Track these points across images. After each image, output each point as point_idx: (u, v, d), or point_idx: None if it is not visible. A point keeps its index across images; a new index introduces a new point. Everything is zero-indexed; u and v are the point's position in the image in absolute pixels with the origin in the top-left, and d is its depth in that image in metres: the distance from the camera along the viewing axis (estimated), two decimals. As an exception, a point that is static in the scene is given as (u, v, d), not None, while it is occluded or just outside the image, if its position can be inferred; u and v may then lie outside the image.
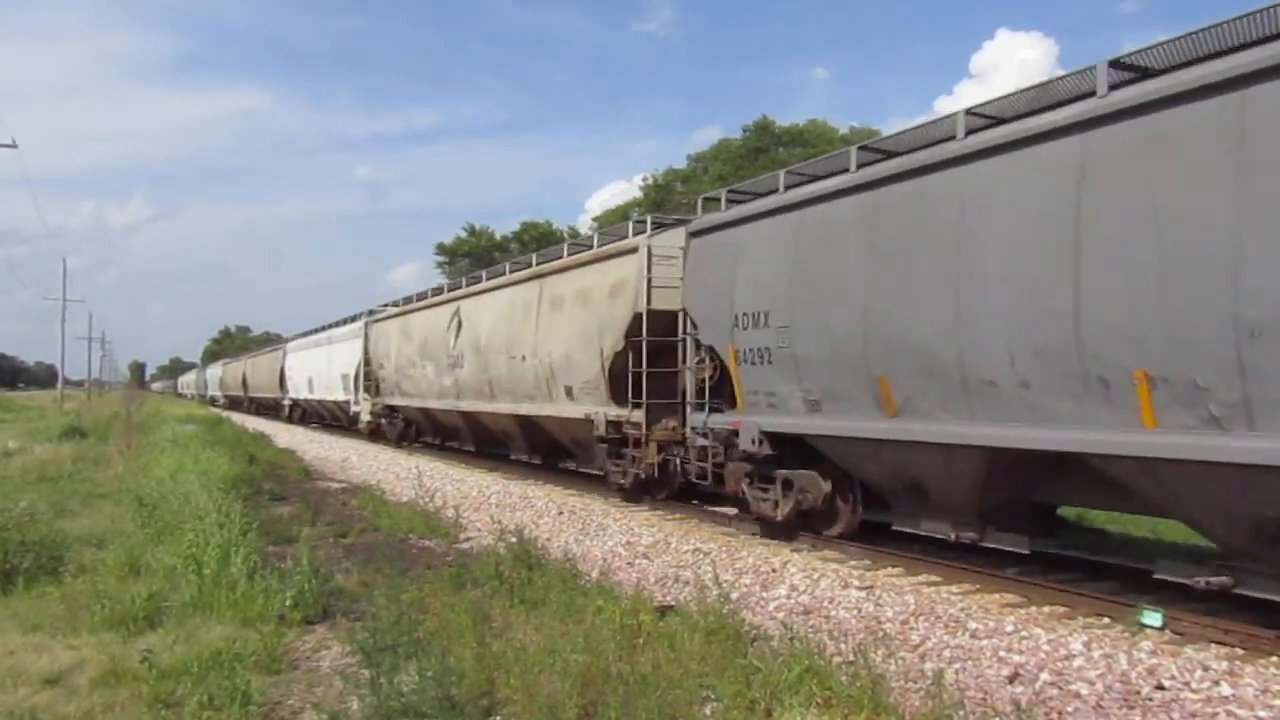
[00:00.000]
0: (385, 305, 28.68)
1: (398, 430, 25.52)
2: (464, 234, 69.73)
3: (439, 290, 23.66)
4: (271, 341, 73.17)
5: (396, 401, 25.37)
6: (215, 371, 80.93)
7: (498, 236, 68.94)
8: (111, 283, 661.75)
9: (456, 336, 20.18)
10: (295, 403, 41.60)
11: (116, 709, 5.39)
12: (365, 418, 27.84)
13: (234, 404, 64.64)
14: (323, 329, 36.12)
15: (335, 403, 32.62)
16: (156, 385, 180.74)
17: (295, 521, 12.07)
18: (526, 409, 16.61)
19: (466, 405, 19.89)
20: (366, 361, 27.71)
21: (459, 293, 21.05)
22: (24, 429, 33.05)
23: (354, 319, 30.83)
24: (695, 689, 5.19)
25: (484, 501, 15.06)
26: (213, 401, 77.26)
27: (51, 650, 6.51)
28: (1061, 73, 7.49)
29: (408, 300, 25.90)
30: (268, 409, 50.50)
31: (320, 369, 34.25)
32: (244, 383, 57.78)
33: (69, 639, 6.75)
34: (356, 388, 28.76)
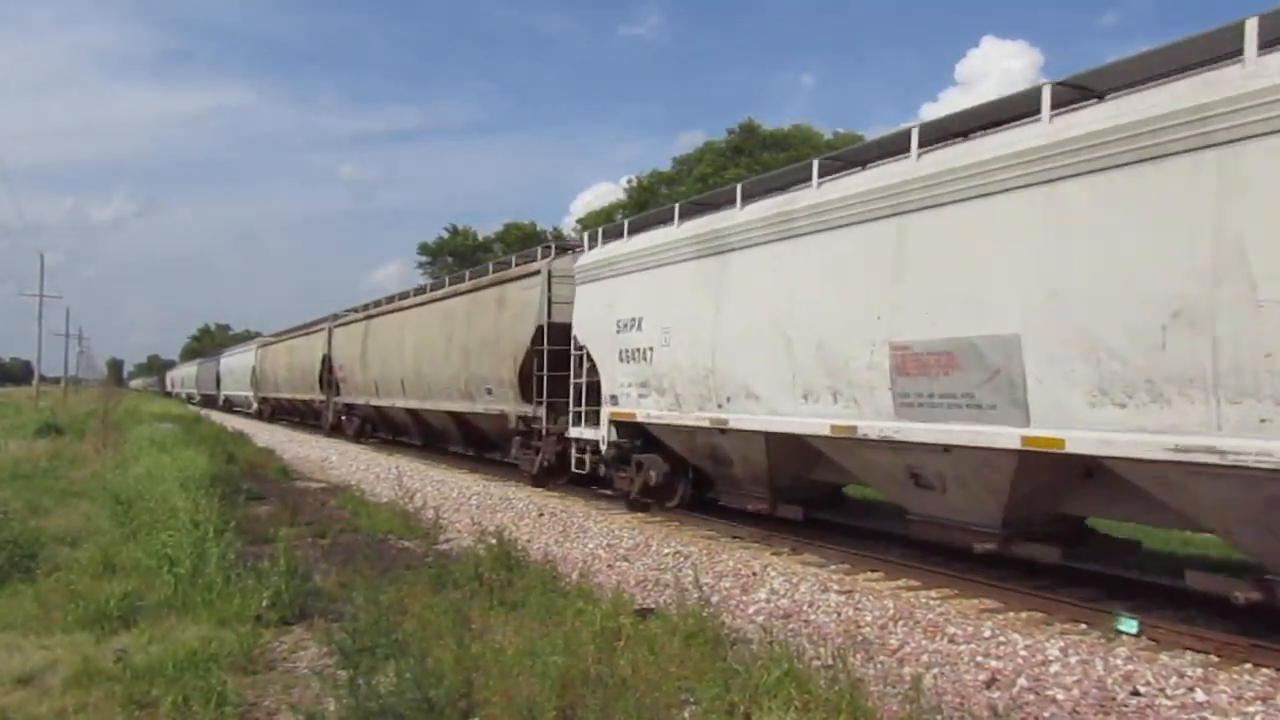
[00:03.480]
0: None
1: None
2: (446, 234, 69.50)
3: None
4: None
5: None
6: (240, 359, 51.89)
7: (480, 237, 68.78)
8: (90, 279, 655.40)
9: None
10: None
11: (90, 709, 5.32)
12: None
13: (283, 411, 41.49)
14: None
15: None
16: (135, 382, 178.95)
17: (273, 521, 11.97)
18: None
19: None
20: None
21: None
22: (-2, 425, 32.67)
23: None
24: (674, 692, 5.19)
25: (464, 503, 15.01)
26: (228, 406, 54.11)
27: (24, 650, 6.41)
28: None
29: None
30: (416, 435, 24.52)
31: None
32: (326, 373, 31.32)
33: (42, 638, 6.65)
34: None
